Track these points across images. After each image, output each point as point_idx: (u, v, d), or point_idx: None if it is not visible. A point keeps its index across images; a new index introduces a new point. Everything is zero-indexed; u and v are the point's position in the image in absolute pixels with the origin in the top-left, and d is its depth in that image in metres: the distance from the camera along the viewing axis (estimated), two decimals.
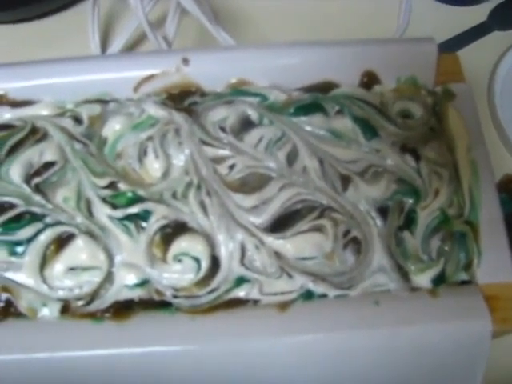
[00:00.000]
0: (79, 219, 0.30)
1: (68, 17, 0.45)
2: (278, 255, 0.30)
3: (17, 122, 0.33)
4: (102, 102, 0.33)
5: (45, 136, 0.33)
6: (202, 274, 0.30)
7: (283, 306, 0.29)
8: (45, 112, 0.33)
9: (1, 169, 0.32)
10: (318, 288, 0.30)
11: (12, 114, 0.33)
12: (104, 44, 0.44)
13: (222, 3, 0.43)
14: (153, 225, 0.30)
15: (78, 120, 0.33)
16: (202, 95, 0.33)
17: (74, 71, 0.33)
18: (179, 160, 0.31)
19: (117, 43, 0.41)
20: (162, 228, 0.30)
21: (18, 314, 0.30)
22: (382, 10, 0.44)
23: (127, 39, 0.41)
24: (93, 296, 0.30)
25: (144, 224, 0.30)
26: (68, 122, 0.33)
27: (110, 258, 0.30)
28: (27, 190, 0.31)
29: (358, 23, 0.43)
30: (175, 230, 0.30)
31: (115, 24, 0.45)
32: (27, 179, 0.31)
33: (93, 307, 0.30)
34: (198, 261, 0.30)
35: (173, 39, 0.37)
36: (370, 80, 0.33)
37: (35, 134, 0.33)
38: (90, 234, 0.30)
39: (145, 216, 0.30)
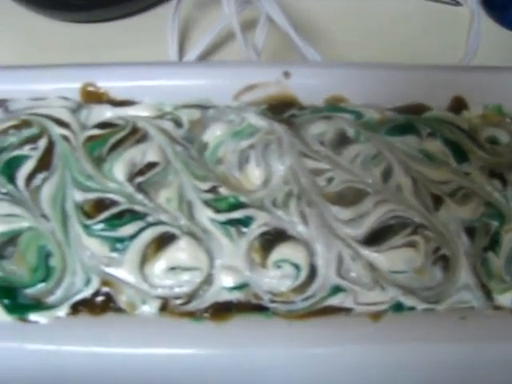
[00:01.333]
0: (181, 220, 0.31)
1: (148, 19, 0.46)
2: (372, 267, 0.31)
3: (118, 120, 0.34)
4: (202, 107, 0.34)
5: (145, 137, 0.34)
6: (299, 281, 0.31)
7: (376, 316, 0.31)
8: (144, 113, 0.34)
9: (104, 166, 0.33)
10: (408, 301, 0.31)
11: (112, 113, 0.34)
12: (181, 48, 0.45)
13: (299, 19, 0.44)
14: (254, 230, 0.31)
15: (178, 123, 0.34)
16: (299, 108, 0.34)
17: (176, 75, 0.34)
18: (279, 169, 0.32)
19: (195, 49, 0.42)
20: (263, 234, 0.31)
21: (117, 309, 0.31)
22: (450, 35, 0.46)
23: (206, 45, 0.43)
24: (191, 296, 0.31)
25: (244, 229, 0.31)
26: (168, 125, 0.34)
27: (211, 259, 0.31)
28: (130, 188, 0.32)
29: (428, 48, 0.45)
30: (275, 236, 0.31)
31: (193, 29, 0.46)
32: (130, 178, 0.32)
33: (191, 307, 0.31)
34: (297, 268, 0.31)
35: (261, 50, 0.39)
36: (458, 105, 0.35)
37: (135, 133, 0.34)
38: (192, 236, 0.31)
39: (246, 221, 0.31)
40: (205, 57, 0.44)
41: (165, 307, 0.31)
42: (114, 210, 0.31)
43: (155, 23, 0.46)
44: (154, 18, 0.46)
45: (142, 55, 0.44)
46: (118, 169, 0.32)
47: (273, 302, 0.31)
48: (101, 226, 0.31)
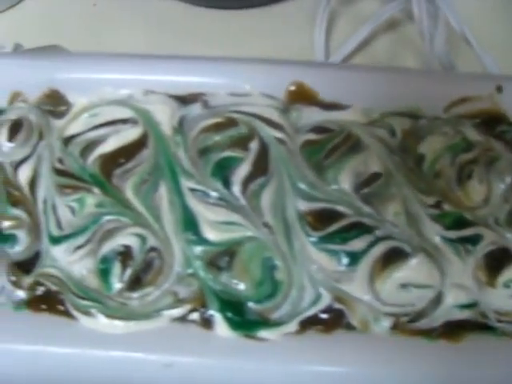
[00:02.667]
0: (411, 236, 0.30)
1: (293, 7, 0.44)
2: None
3: (331, 125, 0.32)
4: (410, 116, 0.33)
5: (358, 144, 0.32)
6: None
7: None
8: (353, 118, 0.33)
9: (327, 174, 0.31)
10: None
11: (322, 117, 0.32)
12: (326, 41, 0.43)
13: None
14: (482, 249, 0.30)
15: (391, 132, 0.32)
16: (509, 125, 0.34)
17: (387, 81, 0.33)
18: (499, 187, 0.32)
19: (347, 46, 0.41)
20: (489, 253, 0.31)
21: (349, 327, 0.29)
22: None
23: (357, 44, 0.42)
24: (421, 314, 0.30)
25: (470, 247, 0.31)
26: (383, 133, 0.32)
27: (443, 277, 0.30)
28: (357, 199, 0.31)
29: None
30: (501, 255, 0.31)
31: (338, 23, 0.44)
32: (356, 189, 0.31)
33: (420, 325, 0.30)
34: None
35: (445, 56, 0.38)
36: None
37: (348, 140, 0.32)
38: (425, 252, 0.30)
39: (475, 239, 0.31)
40: (352, 55, 0.43)
41: (396, 325, 0.30)
42: (344, 223, 0.30)
43: (301, 12, 0.43)
44: (300, 6, 0.44)
45: (284, 46, 0.42)
46: (344, 178, 0.30)
47: (500, 321, 0.30)
48: (329, 238, 0.30)
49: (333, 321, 0.29)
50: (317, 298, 0.29)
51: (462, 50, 0.39)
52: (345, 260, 0.30)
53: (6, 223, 0.31)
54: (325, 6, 0.42)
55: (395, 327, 0.29)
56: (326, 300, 0.29)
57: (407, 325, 0.30)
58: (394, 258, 0.30)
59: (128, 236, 0.29)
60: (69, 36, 0.43)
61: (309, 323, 0.29)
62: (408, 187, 0.31)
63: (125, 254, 0.29)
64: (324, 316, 0.29)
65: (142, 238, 0.29)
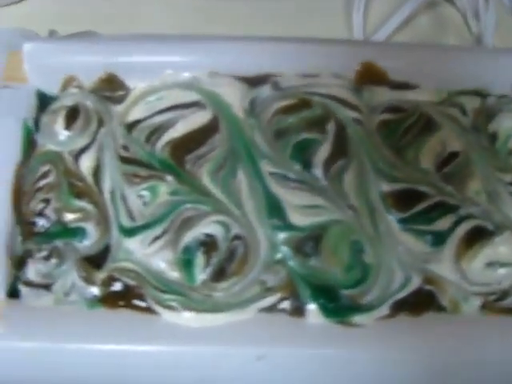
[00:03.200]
0: (493, 214, 0.30)
1: None
2: None
3: (403, 104, 0.31)
4: (479, 94, 0.33)
5: (431, 123, 0.31)
6: None
7: None
8: (423, 98, 0.32)
9: (406, 154, 0.30)
10: None
11: (392, 96, 0.32)
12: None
13: None
14: None
15: (462, 111, 0.32)
16: None
17: (455, 60, 0.32)
18: None
19: (388, 26, 0.41)
20: None
21: (440, 308, 0.29)
22: None
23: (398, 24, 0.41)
24: (507, 292, 0.29)
25: None
26: (455, 112, 0.32)
27: None
28: (438, 179, 0.30)
29: None
30: None
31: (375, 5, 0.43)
32: (437, 168, 0.30)
33: (507, 303, 0.29)
34: None
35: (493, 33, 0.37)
36: None
37: (421, 119, 0.31)
38: (510, 230, 0.30)
39: None
40: (391, 37, 0.43)
41: (484, 304, 0.29)
42: (428, 203, 0.29)
43: None
44: None
45: (320, 29, 0.41)
46: (424, 157, 0.30)
47: None
48: (414, 219, 0.29)
49: (424, 303, 0.28)
50: (407, 281, 0.28)
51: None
52: (431, 240, 0.29)
53: (71, 216, 0.29)
54: None
55: (484, 306, 0.29)
56: (416, 282, 0.28)
57: (495, 303, 0.29)
58: (478, 236, 0.29)
59: (210, 224, 0.28)
60: (97, 22, 0.41)
61: (400, 306, 0.28)
62: (485, 165, 0.31)
63: (208, 243, 0.28)
64: (415, 298, 0.28)
65: (225, 226, 0.28)
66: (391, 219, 0.29)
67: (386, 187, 0.29)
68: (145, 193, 0.29)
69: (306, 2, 0.43)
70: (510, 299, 0.29)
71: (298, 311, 0.27)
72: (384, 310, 0.28)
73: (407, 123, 0.31)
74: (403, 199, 0.29)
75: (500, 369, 0.28)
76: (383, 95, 0.31)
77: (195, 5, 0.43)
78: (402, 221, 0.29)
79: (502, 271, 0.29)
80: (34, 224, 0.29)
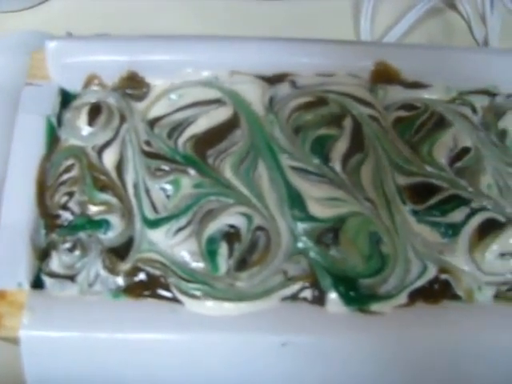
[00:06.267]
0: (505, 207, 0.31)
1: None
2: None
3: (416, 103, 0.33)
4: (488, 93, 0.34)
5: (443, 121, 0.33)
6: None
7: None
8: (435, 96, 0.33)
9: (421, 149, 0.31)
10: None
11: (406, 94, 0.33)
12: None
13: None
14: None
15: (473, 109, 0.33)
16: None
17: (465, 60, 0.34)
18: None
19: (398, 28, 0.42)
20: None
21: (455, 297, 0.29)
22: None
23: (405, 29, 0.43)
24: None
25: None
26: (466, 110, 0.33)
27: None
28: (451, 173, 0.31)
29: None
30: None
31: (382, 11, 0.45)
32: (450, 163, 0.31)
33: None
34: None
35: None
36: None
37: (433, 117, 0.33)
38: None
39: None
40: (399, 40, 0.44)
41: (497, 294, 0.30)
42: (442, 196, 0.30)
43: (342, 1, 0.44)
44: None
45: (327, 34, 0.43)
46: (438, 153, 0.31)
47: None
48: (429, 211, 0.30)
49: (440, 291, 0.29)
50: (423, 270, 0.29)
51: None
52: (446, 232, 0.30)
53: (96, 208, 0.29)
54: None
55: (497, 296, 0.30)
56: (432, 271, 0.29)
57: (508, 293, 0.30)
58: (490, 228, 0.30)
59: (233, 215, 0.29)
60: (110, 25, 0.42)
61: (417, 295, 0.29)
62: (495, 161, 0.32)
63: (231, 234, 0.28)
64: (431, 287, 0.29)
65: (248, 217, 0.29)
66: (407, 211, 0.30)
67: (402, 181, 0.30)
68: (168, 186, 0.30)
69: (315, 6, 0.44)
70: None
71: (319, 300, 0.28)
72: (402, 298, 0.29)
73: (420, 120, 0.32)
74: (418, 192, 0.30)
75: None
76: (397, 94, 0.33)
77: (212, 7, 0.44)
78: (418, 213, 0.30)
79: None
80: (58, 217, 0.30)
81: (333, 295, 0.28)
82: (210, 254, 0.28)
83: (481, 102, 0.34)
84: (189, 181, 0.30)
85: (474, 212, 0.31)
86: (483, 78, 0.34)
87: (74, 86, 0.32)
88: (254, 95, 0.31)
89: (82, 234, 0.29)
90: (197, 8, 0.43)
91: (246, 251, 0.28)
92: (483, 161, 0.32)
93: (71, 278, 0.28)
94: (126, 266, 0.29)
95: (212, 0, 0.43)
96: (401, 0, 0.45)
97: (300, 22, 0.43)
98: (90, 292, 0.28)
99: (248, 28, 0.42)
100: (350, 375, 0.28)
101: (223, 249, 0.28)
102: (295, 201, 0.29)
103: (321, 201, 0.29)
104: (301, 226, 0.29)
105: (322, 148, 0.30)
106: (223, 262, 0.28)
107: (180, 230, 0.29)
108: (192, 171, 0.30)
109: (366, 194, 0.30)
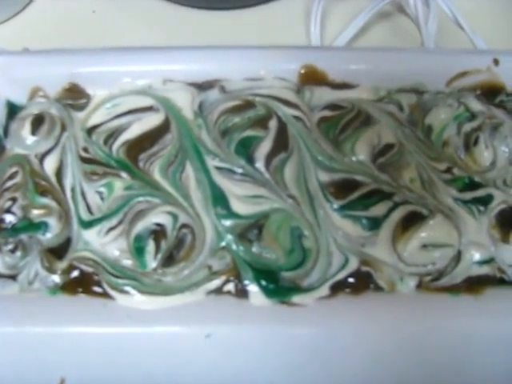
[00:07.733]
0: (427, 199, 0.32)
1: (286, 5, 0.46)
2: None
3: (342, 103, 0.34)
4: (416, 91, 0.35)
5: (369, 119, 0.34)
6: None
7: None
8: (363, 96, 0.35)
9: (343, 147, 0.33)
10: None
11: (333, 95, 0.34)
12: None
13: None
14: (494, 208, 0.32)
15: (400, 107, 0.34)
16: (507, 95, 0.36)
17: (393, 60, 0.35)
18: (504, 151, 0.34)
19: (346, 34, 0.43)
20: (501, 211, 0.33)
21: (377, 288, 0.31)
22: None
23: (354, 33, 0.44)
24: (442, 272, 0.31)
25: (481, 207, 0.33)
26: (392, 108, 0.34)
27: (460, 236, 0.32)
28: (373, 169, 0.32)
29: None
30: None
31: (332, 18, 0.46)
32: (372, 159, 0.32)
33: (443, 282, 0.31)
34: None
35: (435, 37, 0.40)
36: None
37: (360, 116, 0.34)
38: (442, 214, 0.32)
39: (487, 200, 0.33)
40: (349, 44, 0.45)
41: (420, 284, 0.31)
42: (364, 190, 0.31)
43: (294, 10, 0.46)
44: (293, 5, 0.46)
45: (277, 40, 0.44)
46: (360, 149, 0.32)
47: None
48: (351, 206, 0.31)
49: (361, 283, 0.30)
50: (345, 263, 0.30)
51: (453, 34, 0.42)
52: (367, 225, 0.31)
53: (36, 211, 0.31)
54: (318, 3, 0.44)
55: (420, 286, 0.31)
56: (354, 264, 0.30)
57: (431, 283, 0.31)
58: (413, 220, 0.32)
59: (160, 214, 0.30)
60: (71, 42, 0.45)
61: (339, 287, 0.30)
62: (420, 156, 0.33)
63: (157, 232, 0.30)
64: (353, 279, 0.30)
65: (174, 216, 0.30)
66: (330, 206, 0.31)
67: (325, 177, 0.32)
68: (102, 189, 0.32)
69: (267, 15, 0.46)
70: (445, 279, 0.31)
71: (243, 293, 0.29)
72: (324, 290, 0.30)
73: (346, 119, 0.33)
74: (341, 188, 0.32)
75: (435, 344, 0.30)
76: (324, 95, 0.34)
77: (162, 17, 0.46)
78: (340, 208, 0.31)
79: (436, 253, 0.31)
80: (1, 220, 0.32)
81: (255, 288, 0.29)
82: (138, 251, 0.30)
83: (408, 99, 0.35)
84: (121, 183, 0.31)
85: (396, 205, 0.32)
86: (411, 76, 0.35)
87: (19, 99, 0.34)
88: (185, 101, 0.33)
89: (24, 236, 0.31)
90: (149, 20, 0.45)
91: (173, 248, 0.30)
92: (407, 156, 0.33)
93: (13, 277, 0.30)
94: (62, 264, 0.30)
95: (163, 11, 0.45)
96: (351, 5, 0.47)
97: (253, 31, 0.45)
98: (29, 290, 0.30)
99: (198, 39, 0.44)
100: (272, 366, 0.29)
101: (150, 246, 0.30)
102: (219, 199, 0.31)
103: (243, 198, 0.31)
104: (224, 223, 0.30)
105: (247, 149, 0.32)
106: (151, 259, 0.30)
107: (111, 229, 0.31)
108: (124, 174, 0.32)
109: (289, 191, 0.31)
